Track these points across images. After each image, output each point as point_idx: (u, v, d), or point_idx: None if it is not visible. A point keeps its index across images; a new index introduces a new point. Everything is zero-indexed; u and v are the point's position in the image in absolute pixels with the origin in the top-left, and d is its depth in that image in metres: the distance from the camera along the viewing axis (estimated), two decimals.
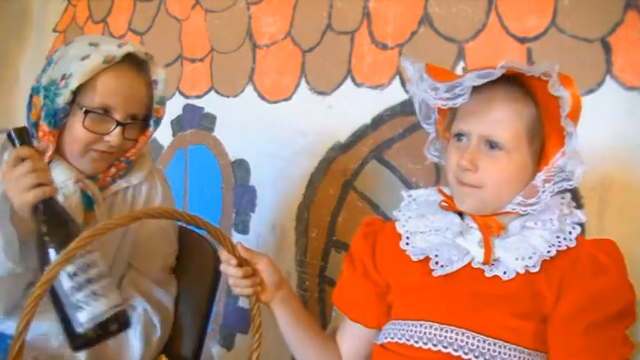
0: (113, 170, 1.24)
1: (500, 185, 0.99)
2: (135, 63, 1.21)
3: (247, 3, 1.96)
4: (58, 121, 1.17)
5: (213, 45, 2.07)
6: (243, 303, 1.92)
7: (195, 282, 1.36)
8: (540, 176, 0.97)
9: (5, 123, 2.73)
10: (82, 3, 2.61)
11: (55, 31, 2.74)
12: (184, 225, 1.34)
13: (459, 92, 0.95)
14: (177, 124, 2.18)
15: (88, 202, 1.19)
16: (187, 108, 2.15)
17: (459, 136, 1.01)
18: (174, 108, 2.18)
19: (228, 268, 1.06)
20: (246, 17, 1.96)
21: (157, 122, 1.27)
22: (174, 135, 2.20)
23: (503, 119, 0.96)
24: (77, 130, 1.17)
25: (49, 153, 1.16)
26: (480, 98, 0.97)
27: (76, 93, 1.15)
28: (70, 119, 1.17)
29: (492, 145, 0.97)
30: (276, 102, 1.87)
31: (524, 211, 0.99)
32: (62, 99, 1.15)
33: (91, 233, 0.85)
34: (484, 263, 0.99)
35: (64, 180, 1.17)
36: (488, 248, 0.99)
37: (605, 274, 0.94)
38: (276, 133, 1.86)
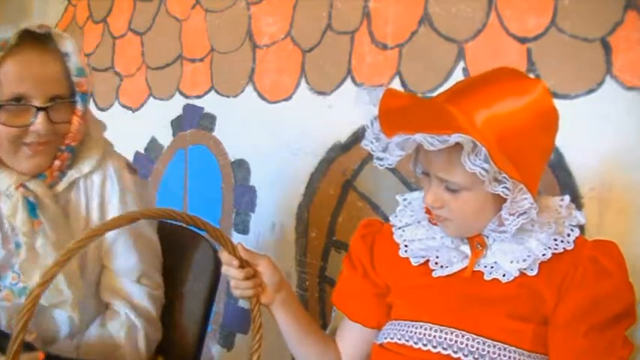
0: (57, 163, 1.15)
1: (467, 217, 0.97)
2: (37, 41, 1.10)
3: (247, 3, 1.96)
4: None
5: (213, 45, 2.07)
6: (243, 303, 1.92)
7: (195, 282, 1.36)
8: (505, 207, 0.92)
9: None
10: (82, 3, 2.61)
11: None
12: (184, 225, 1.35)
13: (382, 156, 0.96)
14: (177, 124, 2.18)
15: (32, 210, 1.11)
16: (187, 108, 2.15)
17: (423, 172, 1.00)
18: (174, 108, 2.18)
19: (230, 269, 1.05)
20: (246, 17, 1.95)
21: (84, 98, 1.15)
22: (174, 135, 2.20)
23: (458, 163, 0.88)
24: None
25: None
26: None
27: None
28: None
29: (450, 186, 0.95)
30: (276, 102, 1.87)
31: (499, 237, 0.97)
32: None
33: (90, 233, 0.85)
34: (465, 275, 0.99)
35: (7, 187, 1.12)
36: (471, 263, 0.99)
37: (607, 277, 0.94)
38: (276, 133, 1.86)
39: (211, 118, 2.07)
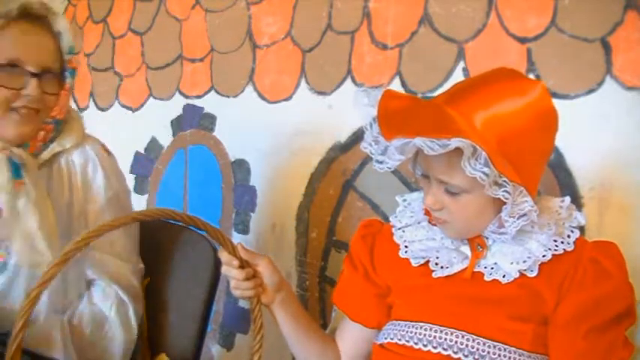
0: (42, 134, 1.21)
1: (467, 220, 0.97)
2: (34, 18, 1.18)
3: (247, 3, 1.96)
4: None
5: (213, 45, 2.07)
6: (243, 303, 1.92)
7: (195, 282, 1.36)
8: (505, 209, 0.92)
9: None
10: (82, 3, 2.61)
11: None
12: (184, 225, 1.35)
13: (382, 159, 0.96)
14: (177, 124, 2.18)
15: (16, 171, 1.15)
16: (187, 108, 2.15)
17: (422, 175, 1.00)
18: (174, 108, 2.18)
19: (230, 270, 1.05)
20: (246, 17, 1.95)
21: (73, 73, 1.24)
22: (174, 135, 2.20)
23: (458, 166, 0.88)
24: None
25: None
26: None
27: None
28: None
29: (450, 189, 0.95)
30: (276, 102, 1.87)
31: (499, 239, 0.97)
32: None
33: (89, 234, 0.85)
34: (464, 276, 0.99)
35: None
36: (471, 264, 0.99)
37: (607, 278, 0.94)
38: (276, 133, 1.86)
39: (211, 118, 2.07)
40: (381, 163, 0.98)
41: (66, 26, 1.21)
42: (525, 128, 0.91)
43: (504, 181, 0.87)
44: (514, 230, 0.93)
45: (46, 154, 1.22)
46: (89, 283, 1.26)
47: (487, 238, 1.00)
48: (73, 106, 1.38)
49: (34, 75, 1.15)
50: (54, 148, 1.23)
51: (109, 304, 1.23)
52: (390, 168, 0.97)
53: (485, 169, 0.85)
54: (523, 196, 0.89)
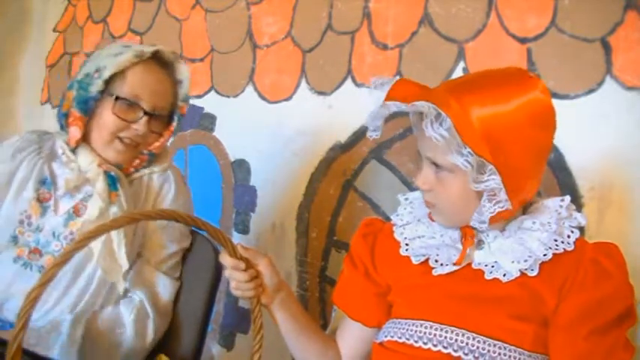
0: (137, 161, 1.32)
1: (450, 204, 0.98)
2: (162, 62, 1.32)
3: (247, 3, 1.96)
4: (89, 107, 1.26)
5: (213, 45, 2.07)
6: (243, 303, 1.92)
7: (196, 282, 1.36)
8: (484, 195, 0.94)
9: (5, 122, 2.73)
10: (82, 3, 2.61)
11: (55, 31, 2.75)
12: (184, 225, 1.35)
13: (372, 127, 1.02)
14: (177, 124, 2.18)
15: (112, 182, 1.27)
16: (187, 108, 2.14)
17: (419, 154, 1.01)
18: None
19: (234, 272, 1.05)
20: (246, 17, 1.95)
21: (180, 118, 1.37)
22: (174, 135, 2.19)
23: (441, 144, 0.91)
24: (107, 116, 1.26)
25: (77, 137, 1.26)
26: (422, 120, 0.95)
27: (108, 84, 1.25)
28: (100, 107, 1.26)
29: (437, 165, 0.96)
30: (276, 102, 1.87)
31: (481, 227, 0.97)
32: (95, 87, 1.24)
33: (88, 235, 0.85)
34: (455, 264, 1.00)
35: (89, 163, 1.27)
36: (463, 251, 1.00)
37: (607, 278, 0.94)
38: (276, 133, 1.86)
39: (211, 118, 2.07)
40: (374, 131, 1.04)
41: (187, 75, 1.34)
42: (517, 122, 0.91)
43: (469, 152, 0.88)
44: (488, 216, 0.94)
45: (136, 176, 1.34)
46: (125, 292, 1.30)
47: (481, 232, 1.01)
48: None
49: (146, 113, 1.27)
50: (143, 172, 1.35)
51: (130, 309, 1.27)
52: (376, 134, 1.02)
53: (444, 133, 0.88)
54: (490, 173, 0.90)
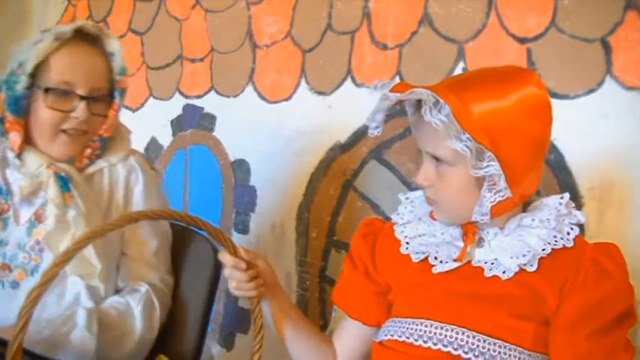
0: (88, 151, 1.25)
1: (451, 198, 0.98)
2: (87, 39, 1.22)
3: (247, 3, 1.96)
4: (21, 108, 1.19)
5: (213, 45, 2.07)
6: (243, 303, 1.92)
7: (195, 282, 1.36)
8: (485, 185, 0.94)
9: None
10: (82, 3, 2.61)
11: None
12: (184, 225, 1.34)
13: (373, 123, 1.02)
14: (177, 124, 2.18)
15: (64, 184, 1.20)
16: (187, 108, 2.15)
17: (419, 151, 1.02)
18: (174, 108, 2.18)
19: (235, 272, 1.05)
20: (246, 17, 1.95)
21: (122, 94, 1.27)
22: (174, 135, 2.20)
23: (441, 137, 0.92)
24: (41, 111, 1.18)
25: (18, 143, 1.19)
26: (421, 116, 0.96)
27: (34, 77, 1.17)
28: (33, 104, 1.19)
29: (438, 159, 0.97)
30: (276, 102, 1.87)
31: (482, 220, 0.97)
32: (21, 85, 1.17)
33: (89, 234, 0.85)
34: (455, 260, 1.00)
35: (36, 167, 1.19)
36: (464, 248, 1.00)
37: (608, 278, 0.94)
38: (276, 133, 1.86)
39: (211, 118, 2.07)
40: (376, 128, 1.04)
41: (118, 47, 1.25)
42: (514, 115, 0.92)
43: (467, 137, 0.89)
44: (489, 206, 0.94)
45: (91, 169, 1.26)
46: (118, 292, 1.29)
47: (482, 230, 1.01)
48: None
49: (83, 98, 1.19)
50: (99, 164, 1.27)
51: (137, 300, 1.25)
52: (377, 127, 1.02)
53: (443, 118, 0.89)
54: (489, 160, 0.90)
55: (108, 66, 1.24)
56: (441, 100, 0.89)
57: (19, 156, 1.21)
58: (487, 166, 0.91)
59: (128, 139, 1.35)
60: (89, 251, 1.18)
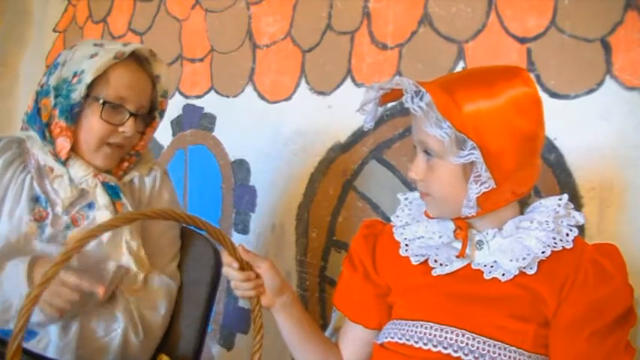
0: (125, 164, 1.33)
1: (441, 191, 0.99)
2: (139, 60, 1.29)
3: (247, 3, 1.96)
4: (74, 116, 1.23)
5: (213, 45, 2.07)
6: (243, 303, 1.92)
7: (195, 282, 1.36)
8: (471, 177, 0.95)
9: (5, 123, 2.73)
10: (82, 3, 2.61)
11: (55, 31, 2.74)
12: (184, 225, 1.34)
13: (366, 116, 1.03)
14: (177, 124, 2.18)
15: (113, 192, 1.26)
16: (187, 108, 2.15)
17: (414, 148, 1.03)
18: (174, 108, 2.18)
19: (230, 271, 1.06)
20: (246, 17, 1.95)
21: (162, 114, 1.36)
22: (174, 135, 2.20)
23: (423, 123, 0.94)
24: (94, 122, 1.23)
25: (67, 149, 1.24)
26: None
27: (89, 88, 1.22)
28: (86, 113, 1.24)
29: (428, 153, 0.98)
30: (276, 102, 1.87)
31: (471, 213, 0.97)
32: (77, 94, 1.21)
33: (87, 234, 0.85)
34: (457, 256, 1.00)
35: (83, 175, 1.24)
36: (464, 245, 1.00)
37: (609, 281, 0.94)
38: (276, 133, 1.86)
39: (211, 118, 2.07)
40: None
41: (165, 71, 1.33)
42: (501, 109, 0.93)
43: (448, 125, 0.91)
44: (475, 196, 0.94)
45: (126, 179, 1.33)
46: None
47: (481, 231, 1.01)
48: None
49: (132, 114, 1.26)
50: (133, 174, 1.34)
51: (159, 281, 1.30)
52: (370, 120, 1.03)
53: (422, 105, 0.91)
54: (471, 149, 0.91)
55: (152, 87, 1.32)
56: (422, 89, 0.91)
57: (63, 162, 1.25)
58: (468, 154, 0.92)
59: (152, 153, 1.43)
60: (139, 247, 1.26)
